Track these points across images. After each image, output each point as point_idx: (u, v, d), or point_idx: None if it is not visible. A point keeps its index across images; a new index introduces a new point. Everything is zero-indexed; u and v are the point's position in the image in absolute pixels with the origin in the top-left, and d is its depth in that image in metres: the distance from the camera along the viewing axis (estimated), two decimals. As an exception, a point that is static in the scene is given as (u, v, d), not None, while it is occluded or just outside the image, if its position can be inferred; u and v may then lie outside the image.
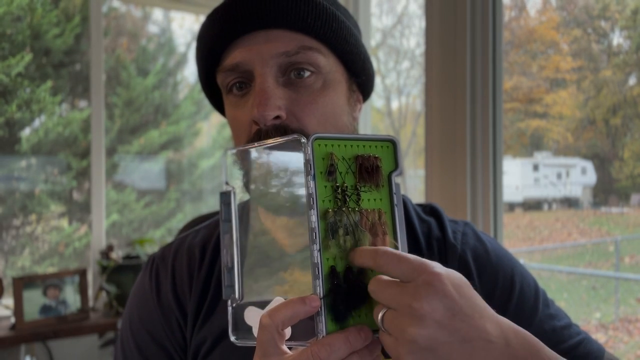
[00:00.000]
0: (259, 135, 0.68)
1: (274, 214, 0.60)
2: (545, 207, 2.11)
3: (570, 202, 2.06)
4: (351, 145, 0.50)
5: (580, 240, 1.91)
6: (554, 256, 2.03)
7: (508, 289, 0.74)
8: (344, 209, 0.48)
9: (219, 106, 0.82)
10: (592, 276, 1.87)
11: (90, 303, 2.23)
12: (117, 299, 2.15)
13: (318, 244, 0.46)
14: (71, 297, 2.08)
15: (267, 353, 0.46)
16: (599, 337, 1.71)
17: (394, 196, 0.51)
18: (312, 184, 0.47)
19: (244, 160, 0.55)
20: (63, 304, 2.06)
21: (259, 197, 0.57)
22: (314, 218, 0.47)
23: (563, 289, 1.85)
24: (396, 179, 0.51)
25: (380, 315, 0.46)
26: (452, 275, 0.46)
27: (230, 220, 0.54)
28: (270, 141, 0.51)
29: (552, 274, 1.91)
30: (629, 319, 1.73)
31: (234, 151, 0.55)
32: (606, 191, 1.84)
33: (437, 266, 0.46)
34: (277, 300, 0.49)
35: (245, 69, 0.69)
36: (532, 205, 2.11)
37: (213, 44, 0.72)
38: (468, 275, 0.73)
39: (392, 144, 0.52)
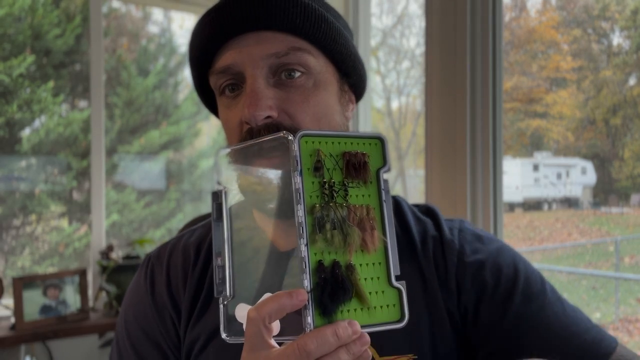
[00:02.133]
0: (250, 133, 0.68)
1: (268, 215, 0.60)
2: (545, 207, 2.10)
3: (570, 202, 2.06)
4: (339, 142, 0.50)
5: (580, 240, 1.91)
6: (554, 256, 2.03)
7: (513, 276, 0.73)
8: (331, 204, 0.48)
9: (213, 108, 0.83)
10: (592, 276, 1.87)
11: (90, 303, 2.23)
12: (117, 299, 2.15)
13: (305, 238, 0.47)
14: (71, 297, 2.08)
15: (255, 347, 0.46)
16: (599, 337, 1.71)
17: (382, 192, 0.51)
18: (298, 179, 0.47)
19: (238, 160, 0.55)
20: (63, 304, 2.06)
21: (254, 199, 0.56)
22: (300, 213, 0.47)
23: (563, 289, 1.85)
24: (385, 176, 0.52)
25: None
26: None
27: (221, 220, 0.55)
28: (259, 139, 0.52)
29: (552, 274, 1.91)
30: (629, 319, 1.73)
31: (227, 151, 0.55)
32: (606, 191, 1.84)
33: None
34: (267, 296, 0.49)
35: (236, 70, 0.70)
36: (532, 205, 2.11)
37: (204, 46, 0.73)
38: (465, 270, 0.74)
39: (380, 141, 0.52)
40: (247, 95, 0.68)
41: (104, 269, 2.22)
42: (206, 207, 3.02)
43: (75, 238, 2.69)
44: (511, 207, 2.09)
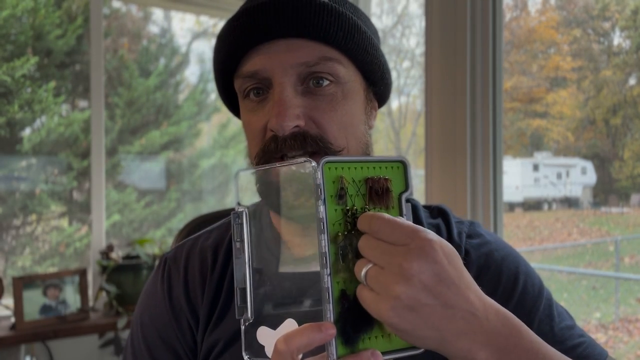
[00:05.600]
0: (275, 141, 0.67)
1: (286, 219, 0.60)
2: (545, 207, 2.11)
3: (570, 202, 2.07)
4: (361, 168, 0.50)
5: (580, 240, 1.91)
6: (554, 256, 2.03)
7: (510, 287, 0.73)
8: (353, 232, 0.48)
9: (234, 109, 0.82)
10: (592, 276, 1.87)
11: (90, 303, 2.23)
12: (117, 299, 2.15)
13: (328, 268, 0.47)
14: (71, 297, 2.08)
15: None
16: (599, 337, 1.71)
17: (404, 217, 0.51)
18: (322, 208, 0.47)
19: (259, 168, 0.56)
20: (63, 304, 2.06)
21: (270, 202, 0.57)
22: (324, 242, 0.47)
23: (563, 289, 1.85)
24: (406, 199, 0.52)
25: (364, 270, 0.47)
26: (444, 244, 0.48)
27: (242, 241, 0.55)
28: (281, 164, 0.52)
29: (552, 274, 1.91)
30: (629, 319, 1.73)
31: (247, 172, 0.55)
32: (606, 191, 1.84)
33: (430, 233, 0.47)
34: (289, 322, 0.50)
35: (264, 76, 0.70)
36: (532, 205, 2.12)
37: (233, 49, 0.72)
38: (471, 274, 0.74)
39: (402, 165, 0.52)
40: (276, 103, 0.67)
41: (104, 269, 2.22)
42: (206, 207, 3.02)
43: (76, 238, 2.69)
44: (511, 207, 2.10)
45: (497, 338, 0.49)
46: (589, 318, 1.80)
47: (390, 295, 0.45)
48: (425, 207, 0.85)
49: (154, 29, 3.27)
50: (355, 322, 0.47)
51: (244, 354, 0.53)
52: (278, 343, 0.46)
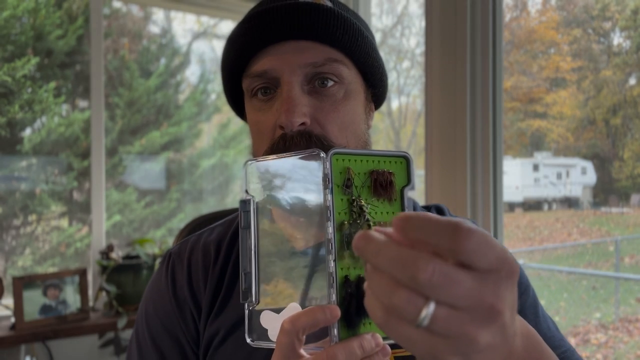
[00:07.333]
0: (284, 139, 0.71)
1: (286, 212, 0.61)
2: (545, 207, 2.11)
3: (570, 202, 2.07)
4: (367, 160, 0.53)
5: (580, 240, 1.91)
6: (554, 256, 2.03)
7: None
8: (358, 221, 0.51)
9: (237, 108, 0.86)
10: (592, 276, 1.87)
11: (90, 303, 2.23)
12: (117, 299, 2.15)
13: (334, 254, 0.49)
14: (71, 297, 2.08)
15: (286, 356, 0.49)
16: (599, 337, 1.71)
17: (406, 210, 0.53)
18: (329, 197, 0.50)
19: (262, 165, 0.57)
20: (63, 304, 2.06)
21: (274, 196, 0.58)
22: (330, 229, 0.50)
23: (563, 289, 1.85)
24: (408, 193, 0.54)
25: (426, 312, 0.35)
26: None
27: (249, 227, 0.57)
28: (290, 154, 0.54)
29: (552, 274, 1.91)
30: (629, 319, 1.73)
31: (255, 162, 0.57)
32: (606, 191, 1.84)
33: (510, 253, 0.38)
34: (293, 306, 0.52)
35: (272, 75, 0.74)
36: (532, 205, 2.11)
37: (243, 50, 0.76)
38: None
39: (405, 160, 0.54)
40: (284, 101, 0.71)
41: (104, 269, 2.22)
42: (207, 207, 3.03)
43: (77, 238, 2.69)
44: (511, 207, 2.10)
45: (520, 356, 0.46)
46: (589, 318, 1.80)
47: (467, 343, 0.35)
48: (424, 207, 0.88)
49: (154, 29, 3.27)
50: (357, 306, 0.49)
51: (247, 337, 0.54)
52: (284, 323, 0.48)
